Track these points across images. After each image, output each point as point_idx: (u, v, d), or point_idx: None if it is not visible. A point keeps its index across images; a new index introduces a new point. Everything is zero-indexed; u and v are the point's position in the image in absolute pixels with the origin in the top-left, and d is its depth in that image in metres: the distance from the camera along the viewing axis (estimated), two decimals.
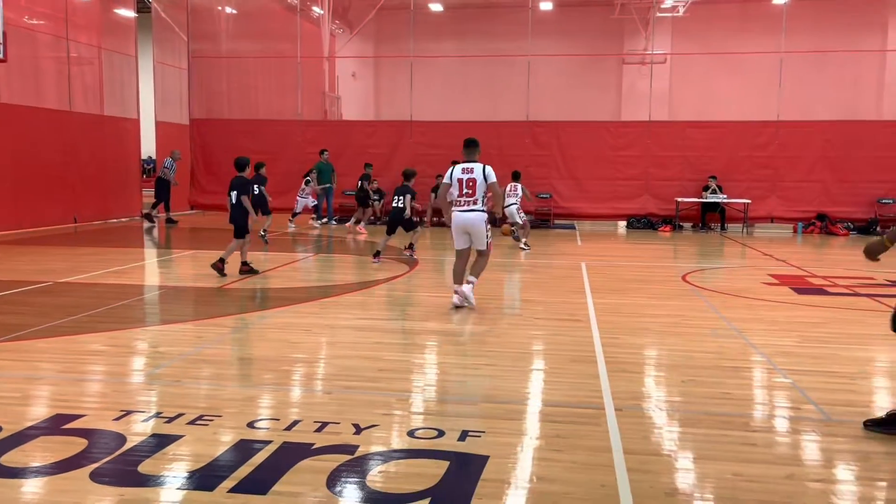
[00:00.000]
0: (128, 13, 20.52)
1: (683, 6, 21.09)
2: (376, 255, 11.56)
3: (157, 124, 21.64)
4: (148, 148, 22.97)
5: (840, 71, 20.66)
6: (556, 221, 19.40)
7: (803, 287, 9.76)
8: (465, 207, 7.99)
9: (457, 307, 7.97)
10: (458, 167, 8.17)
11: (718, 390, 5.27)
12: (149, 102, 21.50)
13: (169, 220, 18.21)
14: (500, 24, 21.66)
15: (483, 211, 8.03)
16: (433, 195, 18.08)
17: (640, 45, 22.72)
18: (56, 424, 4.44)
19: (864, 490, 3.72)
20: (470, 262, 8.27)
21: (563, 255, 13.81)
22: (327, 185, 18.61)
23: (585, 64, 22.84)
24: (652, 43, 21.16)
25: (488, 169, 8.03)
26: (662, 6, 21.44)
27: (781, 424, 4.68)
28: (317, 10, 22.43)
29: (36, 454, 4.00)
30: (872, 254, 4.50)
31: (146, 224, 18.11)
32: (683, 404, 5.01)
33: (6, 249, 13.09)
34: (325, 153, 18.77)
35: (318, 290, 9.72)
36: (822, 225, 17.94)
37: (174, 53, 21.80)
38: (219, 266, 9.81)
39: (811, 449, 4.21)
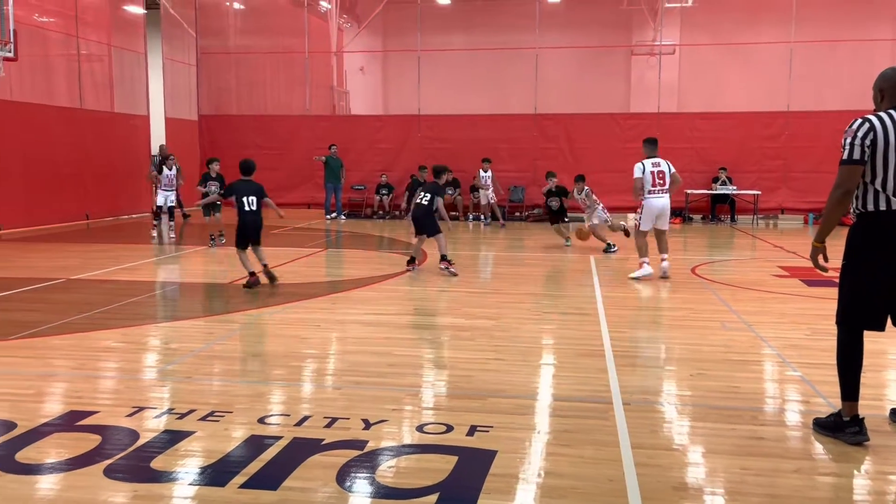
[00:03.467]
0: (137, 10, 20.58)
1: None
2: (411, 261, 10.65)
3: (167, 120, 21.71)
4: (157, 144, 23.04)
5: (851, 60, 20.44)
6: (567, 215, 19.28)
7: (814, 279, 9.70)
8: (660, 195, 9.60)
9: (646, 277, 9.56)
10: (649, 162, 9.64)
11: (727, 384, 5.27)
12: (158, 99, 21.56)
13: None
14: (508, 17, 21.60)
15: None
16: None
17: (648, 36, 22.60)
18: (70, 421, 4.49)
19: (873, 484, 3.72)
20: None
21: (572, 248, 13.78)
22: (336, 181, 18.67)
23: (594, 55, 22.75)
24: (661, 34, 21.04)
25: (670, 163, 9.82)
26: None
27: (791, 418, 4.67)
28: (324, 4, 22.43)
29: (50, 450, 4.05)
30: (815, 263, 4.32)
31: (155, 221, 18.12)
32: (692, 398, 5.02)
33: (20, 246, 13.21)
34: (334, 148, 18.81)
35: (327, 286, 9.76)
36: None
37: (183, 50, 21.84)
38: (252, 281, 8.96)
39: (820, 443, 4.20)
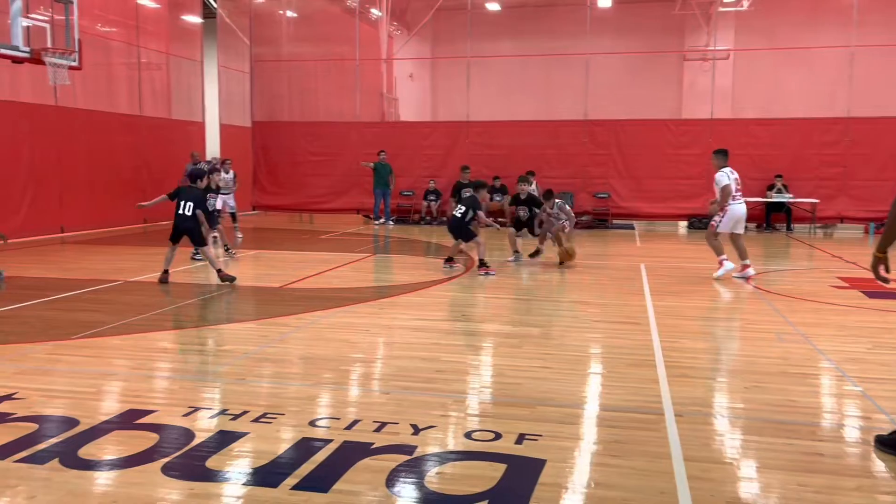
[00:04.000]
0: (194, 19, 21.14)
1: (748, 0, 20.55)
2: (448, 260, 11.31)
3: (222, 127, 22.22)
4: (212, 150, 23.57)
5: None
6: (615, 221, 19.15)
7: (875, 290, 9.40)
8: (741, 201, 10.42)
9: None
10: (728, 170, 10.32)
11: (783, 397, 5.14)
12: (213, 106, 22.08)
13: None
14: (558, 23, 21.54)
15: None
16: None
17: (701, 40, 22.26)
18: (129, 419, 4.61)
19: None
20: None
21: (622, 256, 13.63)
22: (385, 186, 18.82)
23: (645, 61, 22.50)
24: (714, 38, 20.69)
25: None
26: (725, 1, 20.93)
27: (850, 434, 4.52)
28: (375, 12, 22.67)
29: (110, 447, 4.16)
30: (876, 274, 4.19)
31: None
32: (746, 411, 4.91)
33: (81, 249, 13.65)
34: (383, 154, 18.98)
35: (375, 291, 9.84)
36: None
37: (238, 57, 22.34)
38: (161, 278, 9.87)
39: (882, 461, 4.07)
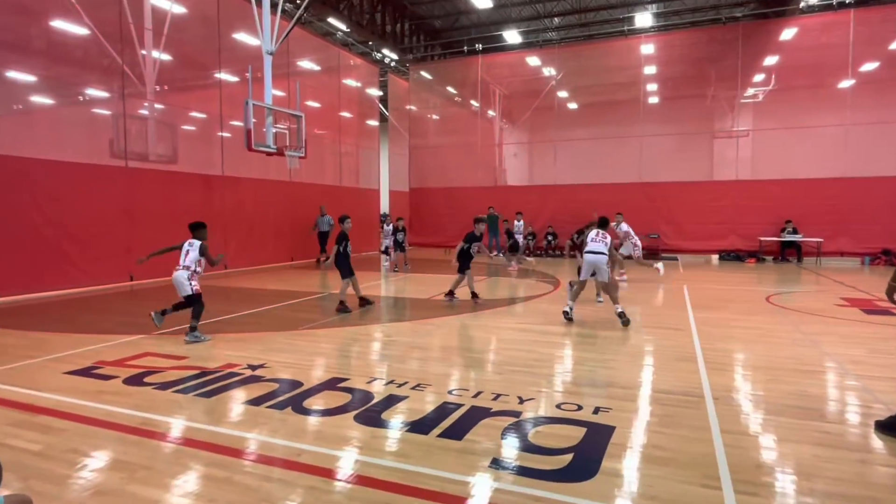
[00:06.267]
0: (374, 123, 22.24)
1: (762, 94, 19.14)
2: (450, 294, 9.48)
3: (390, 192, 23.12)
4: (384, 206, 24.55)
5: None
6: (663, 255, 18.18)
7: (871, 309, 8.38)
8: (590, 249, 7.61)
9: None
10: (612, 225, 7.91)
11: (797, 388, 4.68)
12: (385, 177, 23.01)
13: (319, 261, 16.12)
14: (618, 114, 20.86)
15: None
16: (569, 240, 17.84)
17: (727, 123, 20.84)
18: (332, 384, 4.86)
19: None
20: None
21: (669, 280, 12.90)
22: (495, 230, 18.88)
23: (684, 138, 21.35)
24: (737, 121, 19.35)
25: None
26: (745, 95, 19.59)
27: (853, 418, 4.06)
28: (491, 112, 22.97)
29: (321, 401, 4.40)
30: (890, 298, 3.75)
31: (383, 258, 19.09)
32: (768, 397, 4.51)
33: (300, 272, 14.51)
34: (492, 209, 19.07)
35: (491, 303, 9.82)
36: (886, 259, 15.31)
37: (401, 146, 23.25)
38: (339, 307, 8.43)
39: (881, 440, 3.62)
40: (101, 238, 11.27)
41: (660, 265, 12.15)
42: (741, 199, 17.34)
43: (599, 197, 18.59)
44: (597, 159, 22.09)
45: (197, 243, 6.76)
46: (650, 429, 3.83)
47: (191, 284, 6.66)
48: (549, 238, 18.79)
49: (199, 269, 6.79)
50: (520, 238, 17.25)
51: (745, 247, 17.24)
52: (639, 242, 12.91)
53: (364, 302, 8.91)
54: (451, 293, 9.46)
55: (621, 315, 7.40)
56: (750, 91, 19.59)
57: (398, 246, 14.41)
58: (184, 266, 6.71)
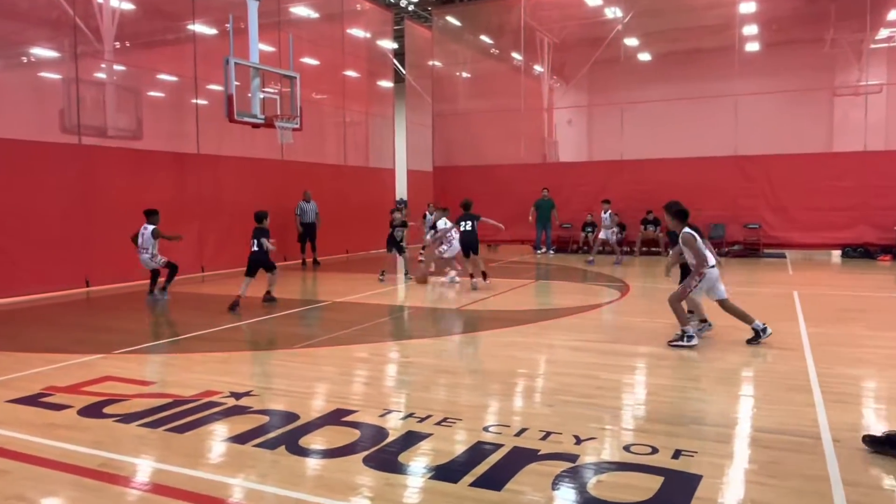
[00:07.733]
0: (387, 84, 22.40)
1: None
2: (483, 276, 11.79)
3: (409, 172, 23.27)
4: (401, 191, 24.66)
5: None
6: (766, 251, 17.78)
7: None
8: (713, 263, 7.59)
9: None
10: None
11: None
12: (402, 154, 23.15)
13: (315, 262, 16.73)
14: (706, 68, 20.48)
15: None
16: (642, 227, 17.65)
17: (852, 76, 20.27)
18: (337, 417, 4.90)
19: None
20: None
21: (774, 283, 12.61)
22: (546, 220, 18.81)
23: (794, 98, 20.81)
24: (866, 73, 18.78)
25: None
26: (877, 38, 18.98)
27: None
28: (537, 68, 22.86)
29: (322, 439, 4.44)
30: None
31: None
32: None
33: (297, 275, 14.74)
34: (545, 191, 19.00)
35: (537, 313, 9.79)
36: None
37: (422, 113, 23.35)
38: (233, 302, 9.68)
39: None
40: (50, 233, 11.62)
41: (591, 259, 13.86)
42: (871, 177, 16.79)
43: (679, 177, 18.25)
44: (677, 127, 21.74)
45: (150, 227, 10.31)
46: (749, 479, 3.74)
47: (158, 259, 10.44)
48: (649, 226, 18.30)
49: (155, 251, 10.36)
50: (610, 234, 17.08)
51: (877, 240, 16.72)
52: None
53: (269, 298, 10.25)
54: (483, 274, 11.70)
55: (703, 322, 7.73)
56: (883, 33, 19.01)
57: (395, 245, 13.43)
58: (142, 248, 10.39)
